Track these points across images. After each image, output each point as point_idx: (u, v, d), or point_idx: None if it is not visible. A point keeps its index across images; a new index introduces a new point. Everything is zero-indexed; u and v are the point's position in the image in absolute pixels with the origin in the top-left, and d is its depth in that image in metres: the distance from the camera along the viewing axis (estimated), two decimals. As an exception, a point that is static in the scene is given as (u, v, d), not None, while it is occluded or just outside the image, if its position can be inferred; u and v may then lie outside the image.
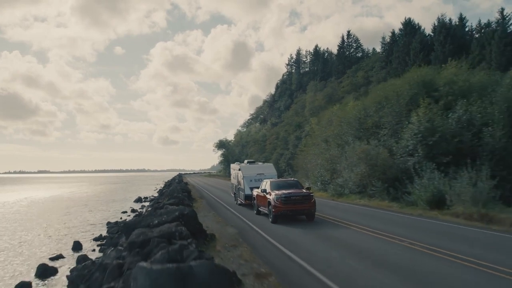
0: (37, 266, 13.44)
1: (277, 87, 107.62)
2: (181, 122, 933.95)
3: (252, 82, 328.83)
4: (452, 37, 50.23)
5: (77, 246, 17.02)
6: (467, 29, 57.03)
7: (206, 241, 9.19)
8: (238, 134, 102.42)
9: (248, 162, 23.96)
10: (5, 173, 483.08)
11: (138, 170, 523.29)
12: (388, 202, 19.33)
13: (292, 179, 20.11)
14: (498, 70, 38.78)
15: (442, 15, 57.49)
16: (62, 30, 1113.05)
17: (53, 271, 13.11)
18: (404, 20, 60.40)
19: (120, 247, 10.67)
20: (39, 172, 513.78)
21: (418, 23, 61.93)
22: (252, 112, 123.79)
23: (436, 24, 55.12)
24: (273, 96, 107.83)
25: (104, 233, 20.30)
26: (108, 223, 23.90)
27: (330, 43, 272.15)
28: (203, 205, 21.05)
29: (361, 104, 29.26)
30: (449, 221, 13.82)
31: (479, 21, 58.16)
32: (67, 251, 16.56)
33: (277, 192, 15.04)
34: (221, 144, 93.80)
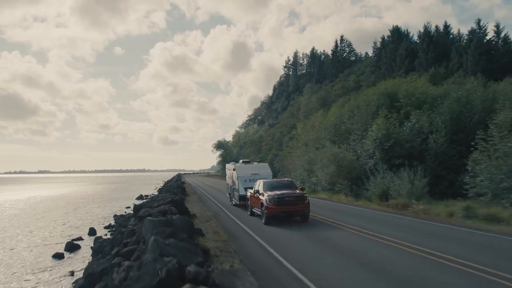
0: (65, 243, 17.97)
1: (275, 89, 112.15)
2: (181, 122, 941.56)
3: (251, 82, 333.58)
4: (434, 45, 54.42)
5: (92, 232, 21.49)
6: (455, 36, 61.25)
7: (189, 217, 13.57)
8: (237, 135, 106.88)
9: (243, 162, 24.24)
10: (6, 173, 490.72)
11: (138, 170, 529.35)
12: (346, 197, 23.77)
13: (286, 179, 20.40)
14: (472, 78, 43.09)
15: (428, 23, 61.48)
16: (62, 30, 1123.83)
17: (78, 247, 17.61)
18: (392, 27, 64.50)
19: (130, 226, 15.11)
20: (39, 172, 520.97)
21: (407, 29, 66.20)
22: (250, 113, 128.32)
23: (421, 31, 59.27)
24: (270, 97, 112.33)
25: (113, 223, 24.77)
26: (115, 216, 28.36)
27: (329, 43, 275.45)
28: (194, 199, 25.64)
29: (338, 112, 33.62)
30: (379, 210, 18.35)
31: (459, 30, 62.40)
32: (85, 235, 21.01)
33: (269, 193, 14.97)
34: (220, 145, 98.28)
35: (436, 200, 20.10)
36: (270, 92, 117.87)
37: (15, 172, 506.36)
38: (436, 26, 61.10)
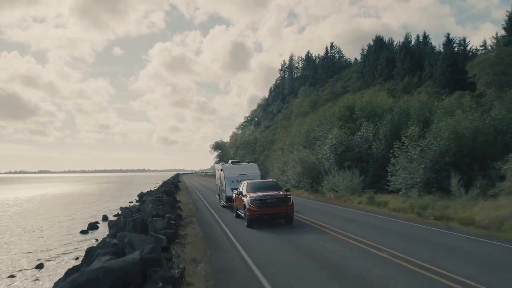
0: (87, 224, 25.16)
1: (271, 91, 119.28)
2: (180, 122, 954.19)
3: (250, 82, 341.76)
4: (411, 55, 61.10)
5: (105, 218, 28.65)
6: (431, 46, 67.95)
7: (174, 200, 20.79)
8: (234, 136, 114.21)
9: (232, 162, 24.88)
10: (6, 173, 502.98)
11: (138, 170, 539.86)
12: (303, 192, 30.81)
13: (271, 180, 21.01)
14: (439, 88, 49.78)
15: (408, 33, 68.10)
16: (61, 30, 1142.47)
17: (97, 227, 24.79)
18: (375, 37, 71.28)
19: (136, 207, 22.33)
20: (40, 172, 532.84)
21: (391, 38, 73.07)
22: (247, 115, 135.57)
23: (401, 42, 66.03)
24: (266, 100, 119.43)
25: (120, 213, 31.97)
26: (121, 208, 35.58)
27: (328, 44, 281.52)
28: (184, 193, 32.98)
29: (310, 121, 40.67)
30: (316, 200, 25.47)
31: (431, 43, 68.81)
32: (99, 221, 28.14)
33: (252, 194, 14.93)
34: (217, 146, 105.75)
35: (371, 193, 27.07)
36: (267, 94, 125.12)
37: (15, 172, 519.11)
38: (418, 36, 68.01)
